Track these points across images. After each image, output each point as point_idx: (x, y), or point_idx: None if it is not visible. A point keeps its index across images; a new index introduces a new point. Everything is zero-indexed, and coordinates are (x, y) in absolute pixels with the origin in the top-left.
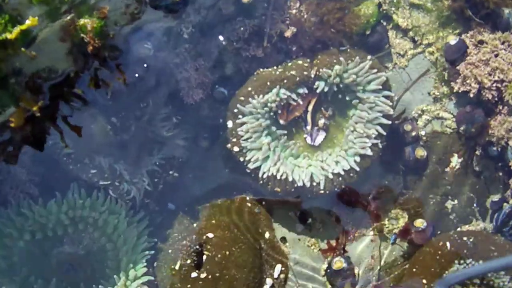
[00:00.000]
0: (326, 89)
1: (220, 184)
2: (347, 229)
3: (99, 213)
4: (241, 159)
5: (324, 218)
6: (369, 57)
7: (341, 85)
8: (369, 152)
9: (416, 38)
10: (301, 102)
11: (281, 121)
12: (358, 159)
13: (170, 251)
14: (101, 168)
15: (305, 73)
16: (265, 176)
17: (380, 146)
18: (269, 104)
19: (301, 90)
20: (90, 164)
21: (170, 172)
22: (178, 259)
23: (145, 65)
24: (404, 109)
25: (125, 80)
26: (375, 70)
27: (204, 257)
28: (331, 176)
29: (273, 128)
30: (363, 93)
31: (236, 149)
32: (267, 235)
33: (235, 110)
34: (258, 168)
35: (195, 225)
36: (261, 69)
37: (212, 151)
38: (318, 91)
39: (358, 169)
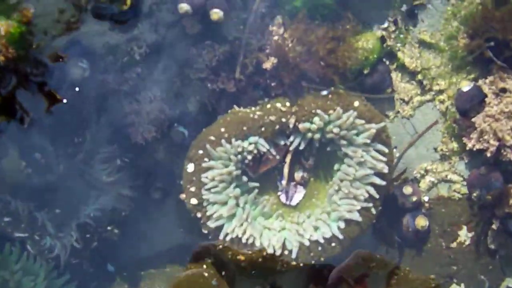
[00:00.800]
0: (302, 146)
1: (172, 246)
2: None
3: (10, 272)
4: (199, 215)
5: None
6: (356, 103)
7: (323, 140)
8: (357, 217)
9: (425, 82)
10: (276, 156)
11: (250, 173)
12: (342, 225)
13: None
14: (17, 216)
15: (284, 120)
16: (227, 238)
17: (374, 211)
18: (244, 153)
19: (281, 142)
20: (3, 209)
21: (109, 228)
22: None
23: (77, 89)
24: (405, 168)
25: (51, 105)
26: (362, 121)
27: None
28: (307, 244)
29: (244, 179)
30: (349, 147)
31: (193, 201)
32: None
33: (200, 152)
34: (219, 228)
35: None
36: (237, 108)
37: (165, 204)
38: (291, 147)
39: (341, 237)
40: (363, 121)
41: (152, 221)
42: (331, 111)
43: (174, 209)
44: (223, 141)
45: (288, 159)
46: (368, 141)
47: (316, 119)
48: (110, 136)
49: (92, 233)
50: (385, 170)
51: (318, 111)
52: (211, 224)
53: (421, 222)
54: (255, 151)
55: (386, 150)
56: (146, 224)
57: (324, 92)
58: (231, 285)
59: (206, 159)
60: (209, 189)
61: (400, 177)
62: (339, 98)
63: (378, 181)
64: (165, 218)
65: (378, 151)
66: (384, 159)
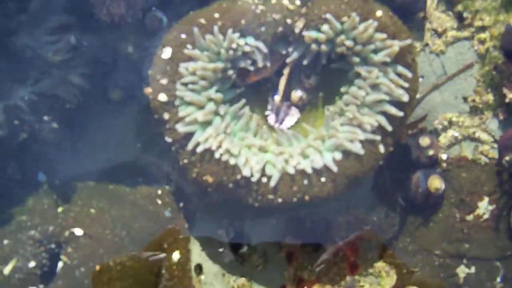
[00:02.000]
0: (305, 61)
1: (123, 161)
2: (301, 276)
3: None
4: (166, 116)
5: (268, 250)
6: (379, 12)
7: (331, 55)
8: (358, 149)
9: (465, 15)
10: (271, 66)
11: (238, 82)
12: (338, 156)
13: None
14: None
15: (289, 21)
16: (198, 149)
17: (382, 149)
18: (238, 52)
19: (281, 50)
20: None
21: (45, 118)
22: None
23: None
24: (425, 115)
25: None
26: (384, 36)
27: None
28: (291, 172)
29: (228, 83)
30: (362, 66)
31: (162, 97)
32: (175, 256)
33: (183, 36)
34: (189, 136)
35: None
36: None
37: (123, 109)
38: (291, 59)
39: (335, 169)
40: (384, 35)
41: (104, 127)
42: (345, 18)
43: (134, 117)
44: (215, 28)
45: (286, 72)
46: (388, 60)
47: (325, 27)
48: (69, 3)
49: (22, 121)
50: (405, 98)
51: (328, 16)
52: (181, 127)
53: (435, 183)
54: (249, 50)
55: (410, 75)
56: (95, 129)
57: None
58: (191, 222)
59: (189, 46)
60: (186, 84)
61: (418, 124)
62: (357, 3)
63: (393, 110)
64: (121, 126)
65: (399, 74)
66: (406, 85)
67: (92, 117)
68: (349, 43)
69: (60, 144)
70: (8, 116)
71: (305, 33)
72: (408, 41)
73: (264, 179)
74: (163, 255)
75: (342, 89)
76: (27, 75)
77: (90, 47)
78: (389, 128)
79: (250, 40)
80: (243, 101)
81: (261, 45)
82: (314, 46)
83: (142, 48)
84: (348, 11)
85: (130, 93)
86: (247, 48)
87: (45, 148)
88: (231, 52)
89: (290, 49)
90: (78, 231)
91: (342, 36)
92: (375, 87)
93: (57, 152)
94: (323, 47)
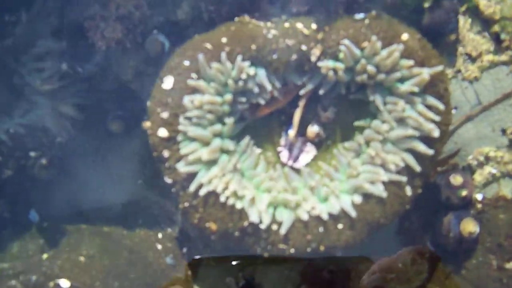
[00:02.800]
0: (322, 91)
1: (122, 201)
2: None
3: None
4: (166, 154)
5: None
6: (405, 35)
7: (351, 85)
8: (380, 191)
9: (503, 36)
10: (283, 97)
11: (247, 115)
12: (358, 199)
13: None
14: None
15: (304, 48)
16: (201, 192)
17: (409, 192)
18: (249, 83)
19: (297, 80)
20: None
21: (32, 154)
22: None
23: None
24: (458, 149)
25: None
26: (411, 63)
27: None
28: (305, 218)
29: (230, 119)
30: (386, 96)
31: (162, 133)
32: None
33: (186, 63)
34: (191, 177)
35: None
36: (247, 17)
37: (123, 141)
38: (306, 90)
39: (354, 214)
40: (411, 62)
41: (101, 161)
42: (366, 43)
43: (136, 150)
44: (222, 54)
45: (301, 104)
46: (417, 89)
47: (343, 54)
48: (60, 27)
49: (6, 157)
50: (436, 133)
51: (347, 42)
52: (182, 167)
53: (469, 227)
54: (268, 87)
55: (441, 107)
56: (91, 164)
57: (360, 15)
58: (194, 268)
59: (193, 75)
60: (189, 119)
61: (449, 160)
62: (379, 26)
63: (422, 147)
64: (121, 160)
65: (429, 106)
66: (437, 118)
67: (89, 151)
68: (370, 68)
69: (51, 181)
70: None
71: (320, 63)
72: (440, 68)
73: (274, 226)
74: None
75: (364, 123)
76: (15, 104)
77: (85, 74)
78: (418, 168)
79: (261, 72)
80: (247, 138)
81: (268, 85)
82: (331, 75)
83: (144, 74)
84: (369, 35)
85: (131, 124)
86: (258, 79)
87: (36, 186)
88: (240, 83)
89: (305, 79)
90: (64, 283)
91: (363, 61)
92: (401, 121)
93: (47, 190)
94: (342, 76)
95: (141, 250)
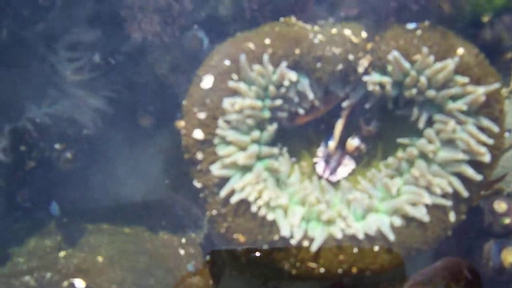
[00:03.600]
0: (368, 105)
1: (147, 201)
2: None
3: None
4: (199, 156)
5: None
6: (461, 50)
7: (399, 100)
8: (423, 215)
9: None
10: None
11: (285, 123)
12: (397, 221)
13: None
14: None
15: (351, 57)
16: (232, 199)
17: (452, 217)
18: (291, 91)
19: (340, 91)
20: None
21: (57, 147)
22: None
23: None
24: (505, 174)
25: None
26: (465, 80)
27: None
28: (339, 237)
29: (272, 125)
30: (436, 114)
31: (198, 134)
32: None
33: (227, 62)
34: (220, 184)
35: None
36: (293, 18)
37: (153, 138)
38: (347, 102)
39: (392, 238)
40: (466, 79)
41: (128, 157)
42: (417, 56)
43: (165, 148)
44: (265, 57)
45: (344, 115)
46: (465, 108)
47: (392, 66)
48: (96, 15)
49: (31, 146)
50: (486, 159)
51: (396, 54)
52: (216, 170)
53: (510, 257)
54: (310, 96)
55: (496, 130)
56: (118, 159)
57: (412, 25)
58: (216, 278)
59: (234, 76)
60: (228, 122)
61: (494, 185)
62: (433, 38)
63: (471, 172)
64: (148, 158)
65: (481, 128)
66: (490, 142)
67: (116, 146)
68: (423, 80)
69: (76, 174)
70: (14, 141)
71: (366, 78)
72: (496, 86)
73: (306, 242)
74: None
75: (407, 141)
76: (43, 93)
77: (118, 66)
78: (465, 194)
79: (304, 80)
80: (284, 150)
81: (310, 94)
82: (377, 90)
83: (180, 71)
84: (421, 47)
85: (162, 120)
86: (300, 87)
87: (60, 178)
88: (281, 89)
89: (348, 89)
90: (79, 283)
91: (413, 73)
92: (449, 142)
93: (70, 184)
94: (389, 91)
95: (162, 255)
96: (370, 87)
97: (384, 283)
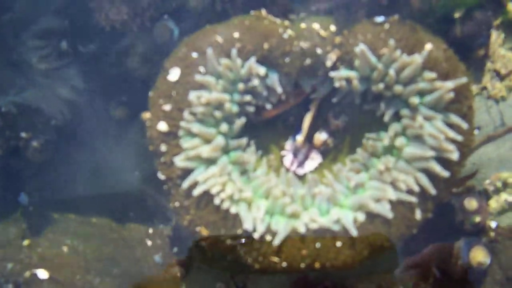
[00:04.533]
0: (335, 99)
1: (116, 192)
2: None
3: None
4: (163, 148)
5: None
6: (429, 45)
7: (368, 94)
8: (386, 211)
9: None
10: (289, 100)
11: (253, 116)
12: (361, 217)
13: None
14: None
15: (319, 51)
16: (196, 191)
17: (418, 215)
18: (258, 85)
19: (307, 86)
20: None
21: (23, 135)
22: None
23: None
24: (475, 171)
25: None
26: (433, 75)
27: None
28: (302, 230)
29: (240, 119)
30: (403, 109)
31: (162, 126)
32: None
33: (194, 54)
34: (184, 176)
35: None
36: (263, 11)
37: (127, 129)
38: (315, 95)
39: (355, 233)
40: (434, 75)
41: (99, 148)
42: (384, 50)
43: (137, 140)
44: (233, 51)
45: (312, 109)
46: (436, 104)
47: (359, 61)
48: (63, 5)
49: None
50: (454, 156)
51: (363, 47)
52: (179, 161)
53: (479, 256)
54: (279, 91)
55: (465, 127)
56: (88, 150)
57: (380, 18)
58: (183, 270)
59: (201, 69)
60: (194, 115)
61: (465, 182)
62: (401, 32)
63: (438, 169)
64: (120, 149)
65: (449, 125)
66: (459, 138)
67: (87, 136)
68: (392, 73)
69: (45, 165)
70: None
71: (332, 73)
72: (463, 80)
73: (269, 237)
74: None
75: (374, 136)
76: (11, 82)
77: (87, 55)
78: (433, 191)
79: (273, 75)
80: (251, 145)
81: (279, 89)
82: (343, 85)
83: (151, 62)
84: (388, 42)
85: (135, 112)
86: (268, 82)
87: (29, 169)
88: (250, 84)
89: (317, 83)
90: (42, 274)
91: (380, 66)
92: (417, 138)
93: (39, 175)
94: (356, 85)
95: (129, 245)
96: (337, 83)
97: (351, 278)
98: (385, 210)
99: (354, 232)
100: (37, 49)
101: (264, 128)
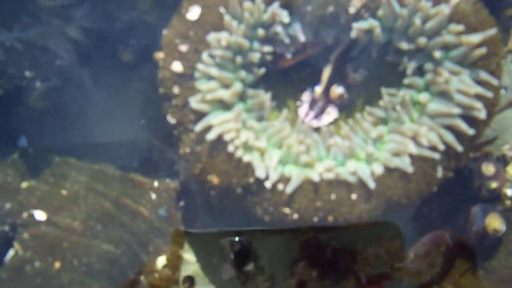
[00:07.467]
0: (355, 52)
1: (120, 140)
2: None
3: None
4: (176, 90)
5: (277, 273)
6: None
7: (389, 45)
8: (406, 165)
9: None
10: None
11: (270, 64)
12: (379, 169)
13: None
14: None
15: None
16: (210, 135)
17: (440, 173)
18: (280, 31)
19: (329, 36)
20: None
21: (27, 74)
22: None
23: None
24: (495, 137)
25: None
26: (460, 28)
27: None
28: (316, 179)
29: (260, 69)
30: (427, 63)
31: (177, 67)
32: (160, 262)
33: None
34: (197, 120)
35: None
36: None
37: (135, 74)
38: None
39: (372, 186)
40: (460, 28)
41: (105, 93)
42: (409, 0)
43: (144, 86)
44: None
45: (332, 59)
46: (463, 59)
47: (382, 10)
48: None
49: None
50: (482, 114)
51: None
52: (195, 103)
53: (494, 223)
54: (302, 39)
55: (495, 83)
56: (93, 94)
57: None
58: (187, 225)
59: (222, 10)
60: (213, 57)
61: (483, 147)
62: None
63: (464, 126)
64: (126, 95)
65: (477, 82)
66: (488, 94)
67: (93, 79)
68: (418, 22)
69: (47, 110)
70: None
71: (355, 24)
72: (492, 32)
73: (281, 186)
74: None
75: (394, 91)
76: (16, 18)
77: None
78: (459, 148)
79: (296, 24)
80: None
81: (302, 37)
82: (362, 35)
83: (163, 6)
84: None
85: (143, 56)
86: (290, 30)
87: (30, 114)
88: (271, 30)
89: (337, 33)
90: (40, 215)
91: (404, 12)
92: (441, 94)
93: (41, 120)
94: (378, 36)
95: (132, 195)
96: (354, 33)
97: (360, 243)
98: (405, 164)
99: (371, 185)
100: None
101: (280, 77)
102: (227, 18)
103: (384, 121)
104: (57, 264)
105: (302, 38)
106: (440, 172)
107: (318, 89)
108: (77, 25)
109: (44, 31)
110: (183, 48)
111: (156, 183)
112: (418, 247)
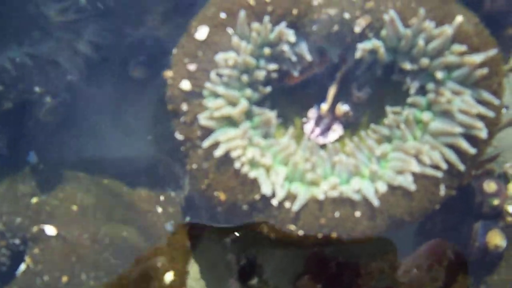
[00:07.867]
0: (360, 70)
1: (127, 155)
2: None
3: None
4: (184, 107)
5: (281, 285)
6: (460, 18)
7: (395, 65)
8: (408, 183)
9: None
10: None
11: (275, 82)
12: (383, 188)
13: None
14: None
15: (347, 16)
16: (217, 152)
17: (442, 191)
18: (287, 51)
19: (334, 55)
20: None
21: (36, 90)
22: None
23: None
24: (497, 154)
25: None
26: (463, 48)
27: None
28: (321, 198)
29: (267, 88)
30: (429, 83)
31: (185, 85)
32: (167, 278)
33: (223, 15)
34: (204, 137)
35: None
36: None
37: (144, 90)
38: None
39: (376, 204)
40: (464, 48)
41: (114, 108)
42: (414, 20)
43: (153, 102)
44: (266, 17)
45: (338, 77)
46: (465, 80)
47: (386, 30)
48: None
49: (8, 87)
50: (483, 134)
51: (392, 14)
52: (204, 120)
53: (495, 239)
54: (308, 59)
55: (496, 103)
56: (103, 109)
57: None
58: (193, 239)
59: (229, 30)
60: (220, 76)
61: (485, 164)
62: (432, 2)
63: (465, 145)
64: (135, 110)
65: (479, 101)
66: (490, 114)
67: (102, 95)
68: (421, 43)
69: (57, 124)
70: None
71: (359, 45)
72: (493, 52)
73: (287, 204)
74: None
75: (398, 109)
76: (26, 33)
77: (107, 12)
78: (461, 167)
79: (302, 42)
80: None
81: (308, 57)
82: (366, 55)
83: (174, 23)
84: (418, 11)
85: (152, 72)
86: (297, 49)
87: (40, 128)
88: (277, 49)
89: (343, 51)
90: (50, 230)
91: (408, 32)
92: (443, 113)
93: (51, 134)
94: (382, 56)
95: (139, 210)
96: (359, 54)
97: (364, 257)
98: (408, 182)
99: (375, 203)
100: (55, 2)
101: (286, 95)
102: (235, 39)
103: (388, 139)
104: (65, 278)
105: (308, 57)
106: (442, 190)
107: (324, 106)
108: (87, 40)
109: (54, 46)
110: (192, 67)
111: (162, 197)
112: (418, 258)
